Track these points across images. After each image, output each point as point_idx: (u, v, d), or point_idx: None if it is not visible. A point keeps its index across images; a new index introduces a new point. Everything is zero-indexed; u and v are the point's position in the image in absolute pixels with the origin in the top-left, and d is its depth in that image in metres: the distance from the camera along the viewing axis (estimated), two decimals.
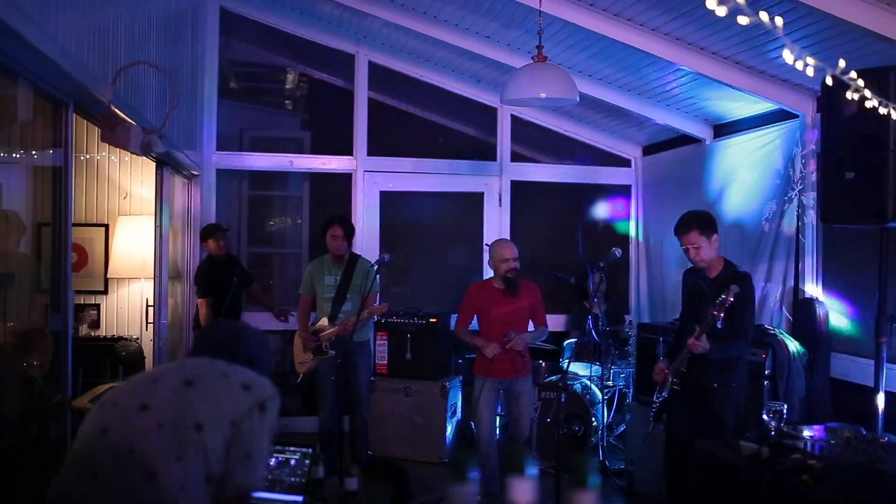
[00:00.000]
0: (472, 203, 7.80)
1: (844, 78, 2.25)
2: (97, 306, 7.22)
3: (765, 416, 3.65)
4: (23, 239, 3.88)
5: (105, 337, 6.97)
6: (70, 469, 2.29)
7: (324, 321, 5.95)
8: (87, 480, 2.21)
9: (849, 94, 2.36)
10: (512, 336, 5.35)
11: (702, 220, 4.52)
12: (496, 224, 7.71)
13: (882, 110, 2.76)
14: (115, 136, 3.79)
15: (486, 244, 7.60)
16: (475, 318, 5.65)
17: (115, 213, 7.20)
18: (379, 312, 5.91)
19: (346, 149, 7.51)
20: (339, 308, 5.93)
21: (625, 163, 8.04)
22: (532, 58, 5.09)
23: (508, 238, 5.91)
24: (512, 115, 7.74)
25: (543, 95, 5.00)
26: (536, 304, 5.59)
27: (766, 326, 5.49)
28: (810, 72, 2.02)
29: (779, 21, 1.79)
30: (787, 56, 1.91)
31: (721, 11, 1.60)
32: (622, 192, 8.08)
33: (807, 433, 3.56)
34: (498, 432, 5.98)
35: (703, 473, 3.88)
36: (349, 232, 6.04)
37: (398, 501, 2.75)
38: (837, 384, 5.13)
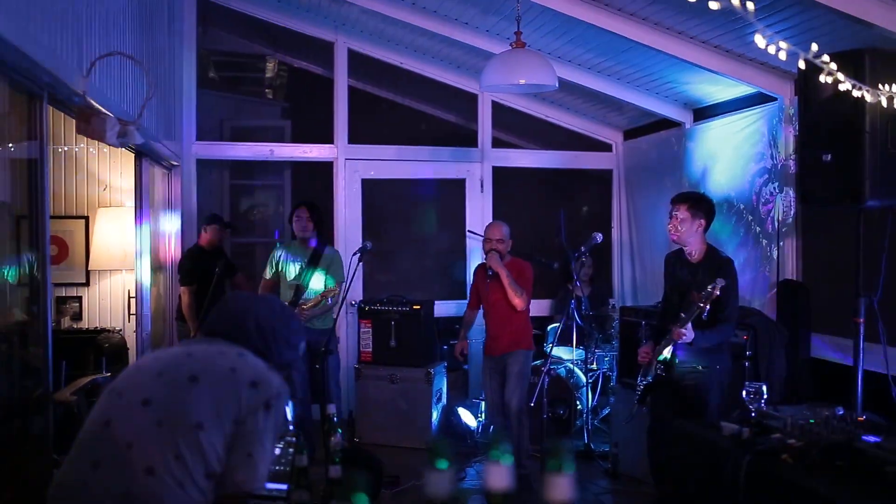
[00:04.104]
0: (455, 190, 7.80)
1: (817, 61, 2.26)
2: (79, 298, 7.17)
3: (745, 397, 3.69)
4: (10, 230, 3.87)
5: (88, 329, 6.92)
6: (74, 457, 2.28)
7: None
8: (88, 470, 2.20)
9: (822, 78, 2.37)
10: None
11: (696, 200, 4.60)
12: (479, 210, 7.71)
13: (856, 93, 2.79)
14: (90, 127, 3.75)
15: (469, 231, 7.64)
16: None
17: (94, 205, 7.14)
18: (331, 294, 5.80)
19: (326, 137, 7.47)
20: (300, 295, 5.93)
21: (606, 147, 8.06)
22: (511, 44, 5.08)
23: (499, 221, 5.94)
24: (493, 101, 7.73)
25: (522, 82, 5.00)
26: (518, 279, 5.60)
27: (748, 307, 5.53)
28: (783, 56, 2.03)
29: (750, 6, 1.80)
30: (759, 40, 1.92)
31: None
32: (604, 176, 8.10)
33: (786, 413, 3.60)
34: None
35: (685, 454, 3.91)
36: (315, 215, 6.05)
37: (375, 490, 2.76)
38: (817, 364, 5.18)
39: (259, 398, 2.30)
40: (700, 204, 4.57)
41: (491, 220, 7.61)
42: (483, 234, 5.88)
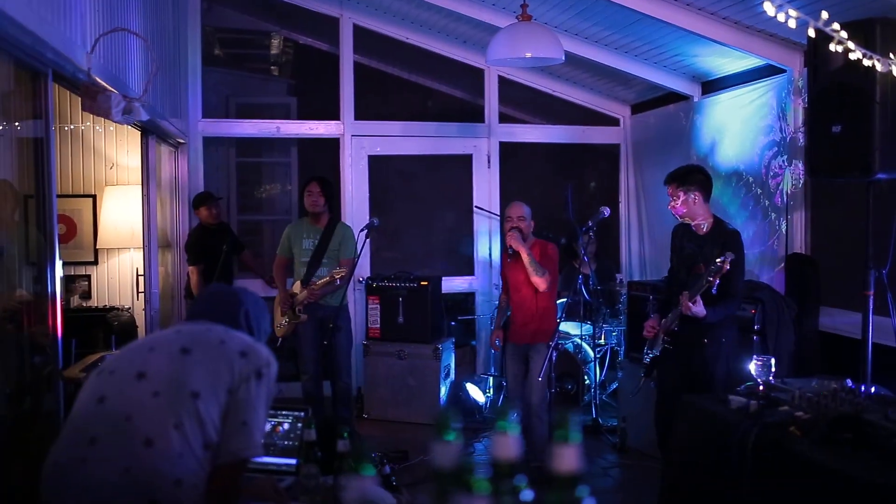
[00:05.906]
0: (461, 165, 7.77)
1: (828, 30, 2.23)
2: (88, 277, 7.20)
3: (753, 370, 3.68)
4: (17, 210, 3.87)
5: (97, 307, 6.95)
6: (67, 436, 2.30)
7: (297, 285, 5.94)
8: (85, 446, 2.22)
9: (832, 46, 2.34)
10: None
11: (683, 176, 4.56)
12: (485, 186, 7.68)
13: (867, 62, 2.75)
14: (95, 104, 3.75)
15: (476, 206, 7.62)
16: None
17: (102, 184, 7.14)
18: (339, 276, 5.75)
19: (333, 113, 7.44)
20: (313, 272, 5.90)
21: (613, 122, 8.01)
22: (517, 17, 5.04)
23: (519, 201, 5.71)
24: (499, 76, 7.68)
25: (529, 55, 4.97)
26: (541, 259, 5.36)
27: (756, 281, 5.51)
28: (792, 24, 2.00)
29: None
30: (769, 8, 1.89)
31: None
32: (611, 150, 8.06)
33: (794, 386, 3.59)
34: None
35: (692, 427, 3.91)
36: (327, 191, 5.98)
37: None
38: (826, 337, 5.17)
39: (249, 367, 2.36)
40: (688, 177, 4.54)
41: (497, 196, 7.61)
42: (504, 213, 5.67)
